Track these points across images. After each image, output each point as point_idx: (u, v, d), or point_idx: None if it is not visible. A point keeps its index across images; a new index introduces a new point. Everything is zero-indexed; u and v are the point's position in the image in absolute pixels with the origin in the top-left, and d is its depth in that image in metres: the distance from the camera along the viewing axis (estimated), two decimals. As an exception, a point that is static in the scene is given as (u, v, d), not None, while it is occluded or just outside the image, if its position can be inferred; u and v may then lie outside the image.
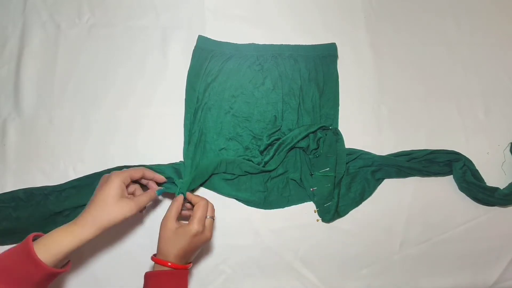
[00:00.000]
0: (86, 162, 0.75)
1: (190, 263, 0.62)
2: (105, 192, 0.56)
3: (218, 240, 0.73)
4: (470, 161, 0.76)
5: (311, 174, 0.75)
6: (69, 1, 0.83)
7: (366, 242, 0.75)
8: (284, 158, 0.75)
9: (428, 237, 0.75)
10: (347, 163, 0.75)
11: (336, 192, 0.74)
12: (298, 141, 0.74)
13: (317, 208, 0.75)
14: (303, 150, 0.76)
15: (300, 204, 0.75)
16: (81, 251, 0.71)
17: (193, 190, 0.72)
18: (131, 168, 0.64)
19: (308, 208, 0.75)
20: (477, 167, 0.76)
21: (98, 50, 0.81)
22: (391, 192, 0.76)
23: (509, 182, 0.77)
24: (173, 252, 0.58)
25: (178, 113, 0.77)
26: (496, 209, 0.77)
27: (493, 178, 0.77)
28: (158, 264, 0.59)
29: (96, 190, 0.58)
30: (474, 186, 0.75)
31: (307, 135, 0.74)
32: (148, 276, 0.59)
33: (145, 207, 0.63)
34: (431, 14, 0.87)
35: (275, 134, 0.77)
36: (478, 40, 0.86)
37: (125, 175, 0.59)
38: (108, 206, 0.55)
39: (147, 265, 0.72)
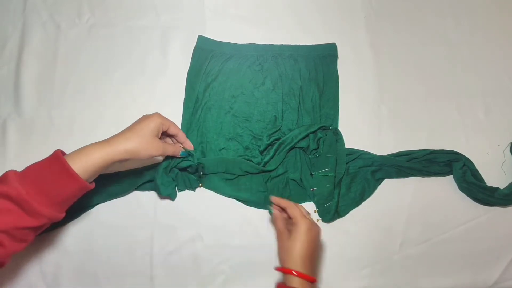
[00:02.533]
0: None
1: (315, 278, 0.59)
2: (145, 125, 0.59)
3: (218, 240, 0.73)
4: (470, 161, 0.76)
5: (311, 174, 0.75)
6: (69, 1, 0.84)
7: (366, 242, 0.75)
8: (284, 158, 0.75)
9: (428, 237, 0.75)
10: (347, 163, 0.75)
11: (336, 192, 0.74)
12: (298, 141, 0.74)
13: (317, 208, 0.75)
14: (303, 150, 0.76)
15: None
16: (82, 250, 0.71)
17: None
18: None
19: (308, 208, 0.75)
20: (477, 167, 0.76)
21: (98, 50, 0.81)
22: (391, 192, 0.76)
23: (509, 182, 0.77)
24: (295, 259, 0.57)
25: (178, 113, 0.77)
26: (496, 209, 0.77)
27: (493, 178, 0.77)
28: (284, 273, 0.57)
29: (137, 120, 0.61)
30: (474, 186, 0.75)
31: (307, 135, 0.74)
32: None
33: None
34: (431, 14, 0.87)
35: (275, 134, 0.77)
36: (478, 40, 0.86)
37: (166, 122, 0.63)
38: (142, 139, 0.58)
39: (147, 265, 0.72)
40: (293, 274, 0.56)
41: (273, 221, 0.64)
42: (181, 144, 0.70)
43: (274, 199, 0.64)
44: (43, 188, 0.50)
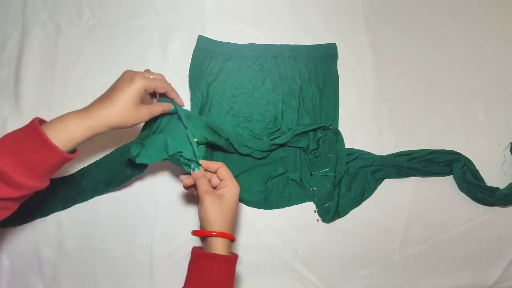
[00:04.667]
0: (86, 162, 0.75)
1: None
2: (126, 94, 0.55)
3: (218, 240, 0.73)
4: (470, 161, 0.76)
5: (311, 174, 0.75)
6: (69, 1, 0.83)
7: (366, 242, 0.75)
8: (290, 140, 0.74)
9: (428, 237, 0.75)
10: (347, 163, 0.75)
11: (336, 192, 0.74)
12: (306, 132, 0.75)
13: (317, 208, 0.75)
14: (303, 150, 0.76)
15: (300, 204, 0.75)
16: (81, 250, 0.71)
17: None
18: (156, 78, 0.62)
19: (308, 208, 0.75)
20: (477, 167, 0.76)
21: (98, 50, 0.81)
22: (391, 192, 0.76)
23: (509, 182, 0.77)
24: (228, 223, 0.55)
25: (178, 113, 0.77)
26: (496, 209, 0.77)
27: (493, 178, 0.77)
28: (203, 236, 0.55)
29: (117, 84, 0.57)
30: (474, 186, 0.75)
31: (311, 130, 0.75)
32: (193, 257, 0.55)
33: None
34: (431, 14, 0.87)
35: (275, 134, 0.77)
36: (478, 40, 0.86)
37: (150, 86, 0.58)
38: (124, 110, 0.55)
39: (147, 265, 0.72)
40: (232, 239, 0.55)
41: (195, 179, 0.58)
42: (173, 99, 0.65)
43: (204, 162, 0.60)
44: (21, 160, 0.48)
